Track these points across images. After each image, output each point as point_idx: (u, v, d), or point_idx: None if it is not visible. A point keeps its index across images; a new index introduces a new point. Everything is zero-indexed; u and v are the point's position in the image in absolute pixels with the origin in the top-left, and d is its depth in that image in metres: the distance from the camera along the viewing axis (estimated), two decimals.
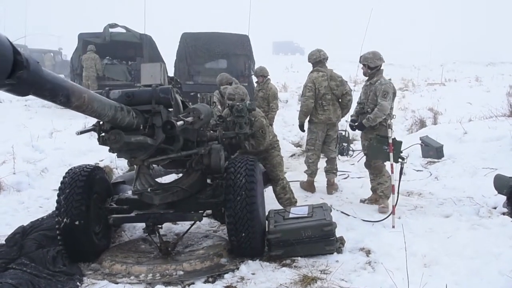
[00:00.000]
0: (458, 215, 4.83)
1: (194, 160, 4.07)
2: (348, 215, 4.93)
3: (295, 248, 3.77)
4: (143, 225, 4.04)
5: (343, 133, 6.56)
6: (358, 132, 6.20)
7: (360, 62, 5.38)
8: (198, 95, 5.13)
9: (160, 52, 12.32)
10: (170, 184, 4.09)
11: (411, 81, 18.21)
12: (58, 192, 3.79)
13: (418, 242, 3.97)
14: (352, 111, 5.87)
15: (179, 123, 3.33)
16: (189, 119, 3.61)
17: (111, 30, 12.36)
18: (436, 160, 7.18)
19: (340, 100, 5.99)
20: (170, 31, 23.92)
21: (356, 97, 5.83)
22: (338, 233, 3.96)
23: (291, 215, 4.11)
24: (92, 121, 3.16)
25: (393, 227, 4.44)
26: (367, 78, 5.37)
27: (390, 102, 5.09)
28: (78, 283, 3.44)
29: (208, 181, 4.29)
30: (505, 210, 4.76)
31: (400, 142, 4.79)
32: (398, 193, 4.63)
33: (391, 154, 4.63)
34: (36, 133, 7.56)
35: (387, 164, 4.81)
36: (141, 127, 3.20)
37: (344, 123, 6.38)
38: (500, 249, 3.68)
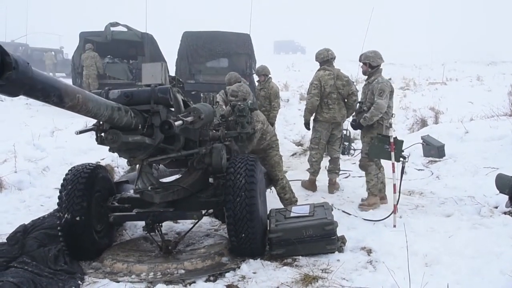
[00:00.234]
0: (459, 215, 4.83)
1: (195, 159, 4.07)
2: (349, 214, 4.94)
3: (296, 247, 3.77)
4: (144, 223, 4.03)
5: (345, 132, 6.56)
6: (359, 131, 6.20)
7: (360, 60, 5.38)
8: (201, 95, 5.14)
9: (162, 51, 12.29)
10: (170, 183, 4.09)
11: (413, 80, 18.15)
12: (60, 188, 3.82)
13: (419, 241, 3.96)
14: None
15: (178, 123, 3.32)
16: (189, 118, 3.59)
17: (112, 28, 12.35)
18: (437, 159, 7.20)
19: (346, 100, 5.99)
20: (171, 30, 23.92)
21: (358, 97, 5.84)
22: (339, 232, 3.96)
23: (292, 214, 4.11)
24: (93, 120, 3.16)
25: (395, 226, 4.44)
26: (366, 77, 5.37)
27: (386, 100, 5.09)
28: (79, 281, 3.44)
29: (210, 180, 4.29)
30: (507, 209, 4.74)
31: (401, 141, 4.79)
32: (399, 192, 4.63)
33: (392, 153, 4.63)
34: (37, 132, 7.59)
35: (388, 163, 4.81)
36: (140, 127, 3.20)
37: (346, 122, 6.38)
38: (501, 249, 3.68)
